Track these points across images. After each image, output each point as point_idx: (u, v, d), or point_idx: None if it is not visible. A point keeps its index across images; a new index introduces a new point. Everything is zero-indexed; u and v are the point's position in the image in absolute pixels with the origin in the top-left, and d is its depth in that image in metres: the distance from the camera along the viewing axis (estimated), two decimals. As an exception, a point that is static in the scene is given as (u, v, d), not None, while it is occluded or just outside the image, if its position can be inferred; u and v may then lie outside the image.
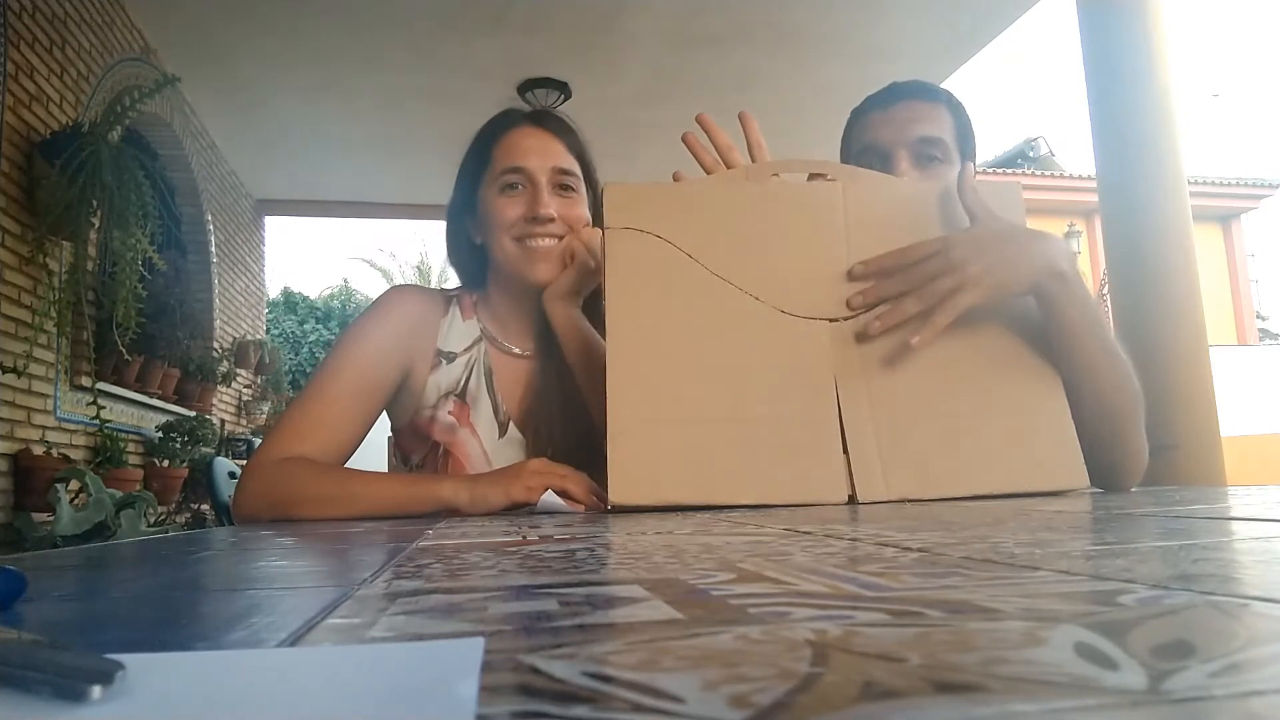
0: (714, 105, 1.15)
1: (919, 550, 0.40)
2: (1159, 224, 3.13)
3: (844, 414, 0.94)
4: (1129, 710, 0.14)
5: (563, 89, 4.49)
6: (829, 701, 0.16)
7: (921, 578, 0.31)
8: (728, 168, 1.07)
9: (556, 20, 3.92)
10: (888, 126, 1.24)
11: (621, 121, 4.75)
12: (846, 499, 0.90)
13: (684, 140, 1.09)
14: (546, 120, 1.22)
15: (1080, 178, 10.78)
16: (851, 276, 0.97)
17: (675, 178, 1.08)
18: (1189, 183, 3.27)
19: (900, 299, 0.95)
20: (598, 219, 1.19)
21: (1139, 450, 1.06)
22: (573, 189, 1.18)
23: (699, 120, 1.11)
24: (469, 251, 1.24)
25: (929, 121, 1.24)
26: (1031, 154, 13.10)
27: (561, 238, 1.15)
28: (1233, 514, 0.57)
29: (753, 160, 1.08)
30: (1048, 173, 11.69)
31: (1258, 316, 13.40)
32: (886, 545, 0.43)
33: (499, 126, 1.21)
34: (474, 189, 1.20)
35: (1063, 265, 0.97)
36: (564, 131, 1.21)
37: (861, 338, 0.96)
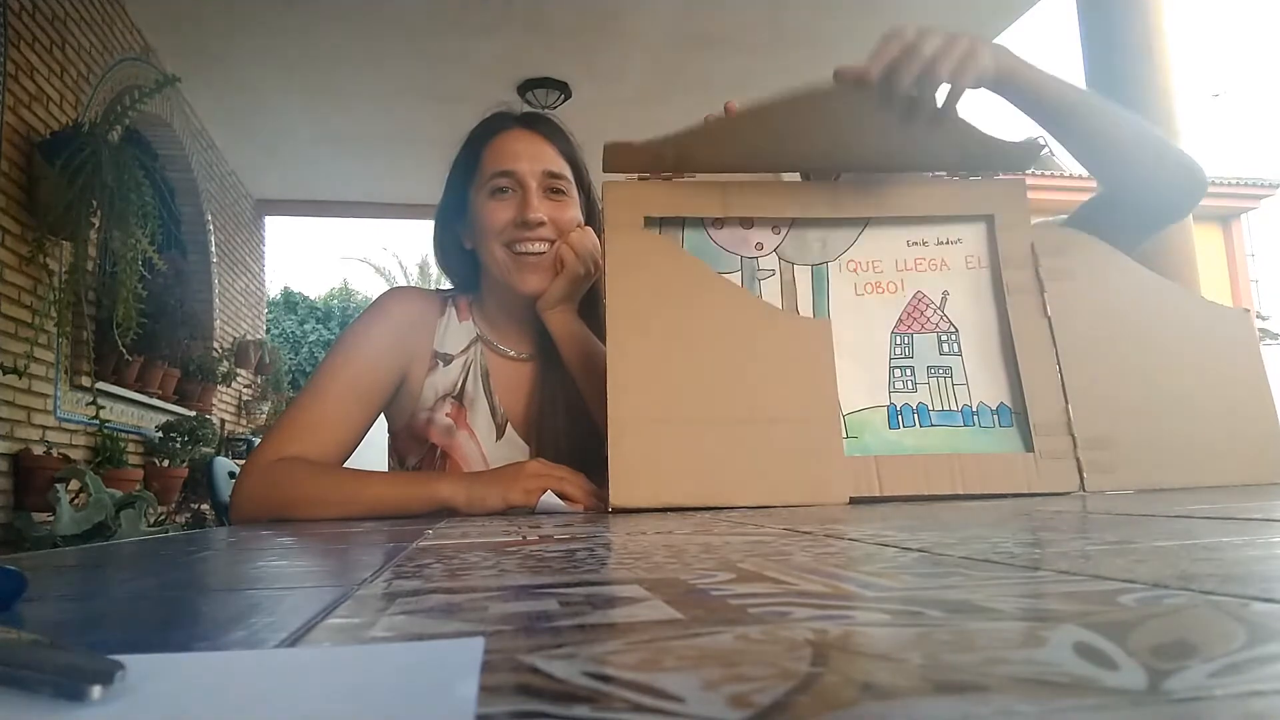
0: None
1: (919, 550, 0.40)
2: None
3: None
4: (1129, 710, 0.14)
5: (563, 89, 4.49)
6: (829, 701, 0.15)
7: (921, 578, 0.31)
8: None
9: (556, 20, 3.92)
10: None
11: (621, 121, 4.74)
12: (848, 500, 0.90)
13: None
14: (537, 123, 1.21)
15: (1080, 177, 10.75)
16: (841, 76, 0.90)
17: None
18: (1189, 182, 3.26)
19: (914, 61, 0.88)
20: (590, 220, 1.19)
21: (1184, 160, 1.08)
22: (563, 192, 1.17)
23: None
24: (459, 256, 1.24)
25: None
26: (1031, 154, 13.06)
27: (552, 242, 1.14)
28: (1233, 514, 0.57)
29: None
30: (1048, 173, 11.68)
31: (1258, 316, 13.39)
32: (886, 545, 0.43)
33: (489, 129, 1.20)
34: (464, 192, 1.20)
35: (1012, 66, 0.96)
36: (554, 134, 1.20)
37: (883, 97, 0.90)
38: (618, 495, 0.87)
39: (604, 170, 0.99)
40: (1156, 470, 0.95)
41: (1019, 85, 0.98)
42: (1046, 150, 1.13)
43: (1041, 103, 1.00)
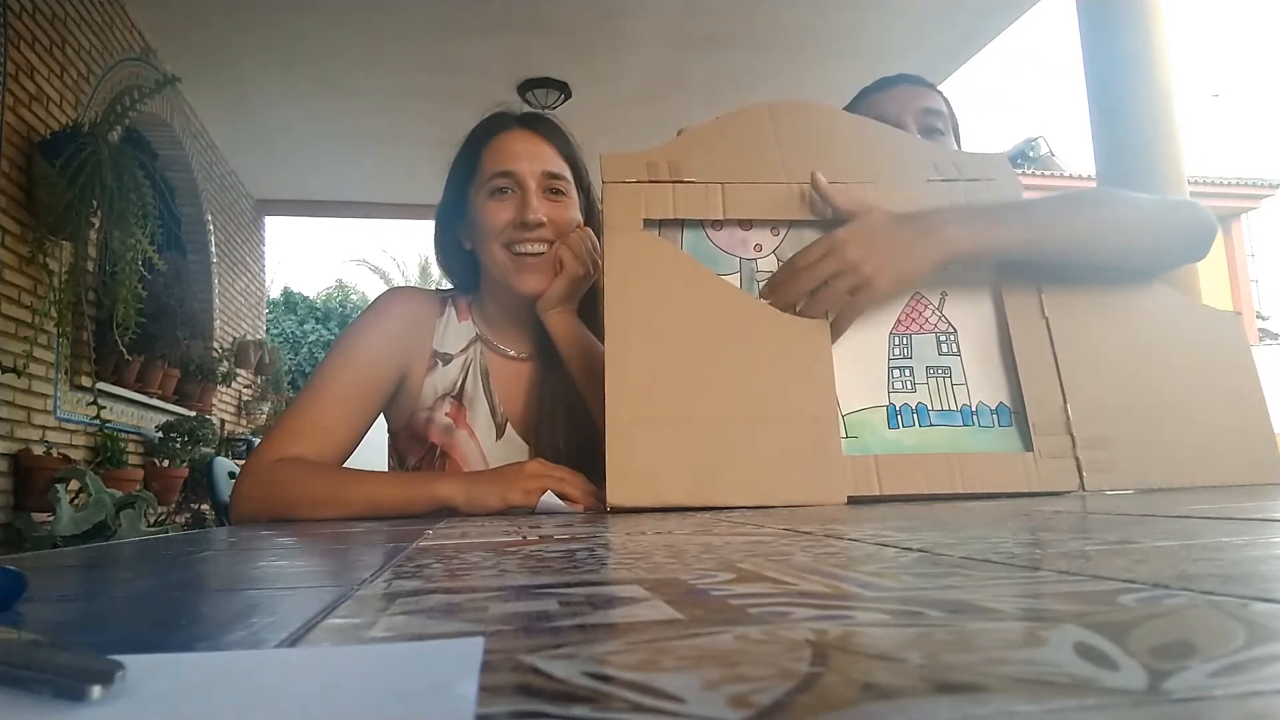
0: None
1: (919, 550, 0.40)
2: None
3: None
4: (1129, 710, 0.14)
5: (563, 89, 4.49)
6: (829, 701, 0.15)
7: (921, 578, 0.31)
8: None
9: (556, 20, 3.92)
10: (893, 101, 1.32)
11: (621, 121, 4.75)
12: (846, 500, 0.90)
13: None
14: (536, 123, 1.21)
15: (1080, 178, 10.77)
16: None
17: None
18: (1189, 183, 3.27)
19: (806, 305, 0.96)
20: (590, 220, 1.20)
21: (1189, 219, 1.09)
22: (563, 192, 1.17)
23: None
24: (459, 256, 1.24)
25: (930, 99, 1.33)
26: (1031, 154, 13.09)
27: (551, 242, 1.14)
28: (1233, 514, 0.57)
29: None
30: (1048, 173, 11.68)
31: (1258, 316, 13.39)
32: (886, 545, 0.43)
33: (489, 130, 1.20)
34: (463, 193, 1.20)
35: (961, 246, 0.96)
36: (554, 134, 1.20)
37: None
38: (614, 495, 0.87)
39: (603, 181, 1.00)
40: (1153, 470, 0.95)
41: (986, 256, 0.99)
42: (1046, 150, 1.13)
43: (1031, 253, 1.00)
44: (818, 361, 0.95)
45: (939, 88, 1.40)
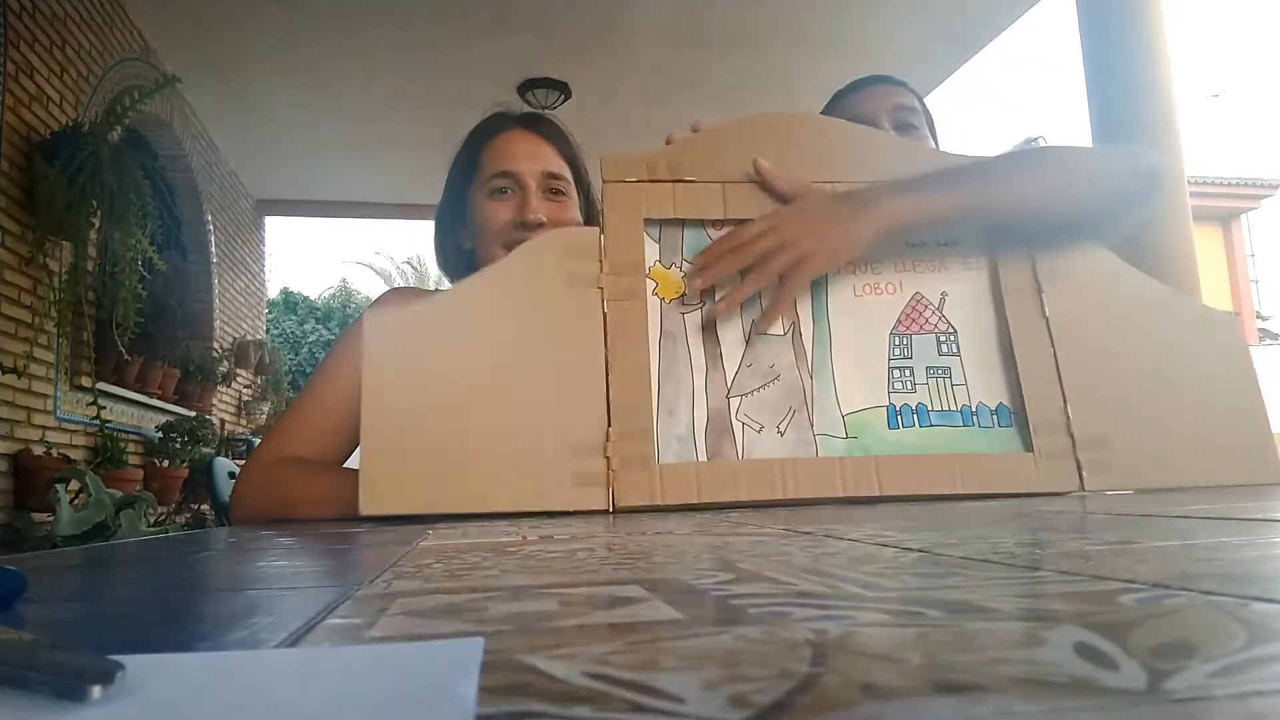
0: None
1: (919, 550, 0.40)
2: (1159, 224, 3.13)
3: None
4: (1129, 710, 0.14)
5: (563, 89, 4.49)
6: (829, 701, 0.16)
7: (921, 578, 0.31)
8: None
9: (556, 20, 3.92)
10: (866, 102, 1.31)
11: (621, 121, 4.75)
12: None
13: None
14: (536, 123, 1.21)
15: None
16: (687, 276, 0.93)
17: (668, 141, 1.07)
18: (1189, 183, 3.27)
19: (742, 280, 0.93)
20: (589, 220, 1.20)
21: (1129, 168, 1.06)
22: (563, 193, 1.18)
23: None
24: (458, 256, 1.24)
25: (902, 95, 1.33)
26: (1031, 154, 13.06)
27: None
28: (1233, 514, 0.57)
29: None
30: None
31: (1258, 316, 13.39)
32: (886, 545, 0.43)
33: (488, 130, 1.21)
34: (463, 193, 1.20)
35: (900, 218, 0.94)
36: (554, 134, 1.20)
37: (708, 324, 0.96)
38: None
39: (603, 180, 1.00)
40: (1151, 470, 0.95)
41: (925, 225, 0.96)
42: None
43: (975, 216, 0.97)
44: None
45: (912, 86, 1.39)
